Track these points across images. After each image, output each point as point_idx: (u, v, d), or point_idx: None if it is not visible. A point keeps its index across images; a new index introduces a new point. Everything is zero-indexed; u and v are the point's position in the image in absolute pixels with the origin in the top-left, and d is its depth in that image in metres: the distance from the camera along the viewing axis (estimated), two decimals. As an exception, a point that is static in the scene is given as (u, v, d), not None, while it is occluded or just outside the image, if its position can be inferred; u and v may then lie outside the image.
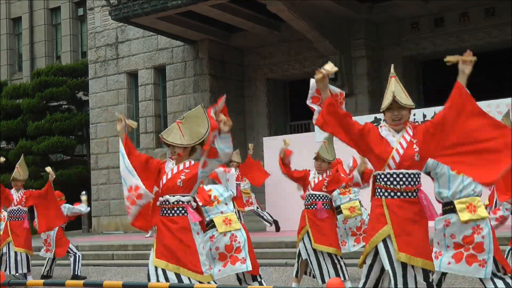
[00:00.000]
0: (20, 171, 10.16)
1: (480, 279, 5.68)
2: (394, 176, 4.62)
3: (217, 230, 6.63)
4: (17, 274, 10.10)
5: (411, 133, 4.71)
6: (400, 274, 4.52)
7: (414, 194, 4.62)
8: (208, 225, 6.66)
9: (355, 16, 16.82)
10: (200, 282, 5.22)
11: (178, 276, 5.28)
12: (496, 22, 15.94)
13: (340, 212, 8.73)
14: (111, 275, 10.95)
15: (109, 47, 20.01)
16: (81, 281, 5.27)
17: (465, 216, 5.62)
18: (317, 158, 7.75)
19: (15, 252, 9.97)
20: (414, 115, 13.68)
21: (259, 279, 6.85)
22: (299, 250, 7.73)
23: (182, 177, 5.32)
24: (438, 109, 13.55)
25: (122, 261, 12.81)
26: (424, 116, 13.66)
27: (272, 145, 15.38)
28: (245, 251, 6.69)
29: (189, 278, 5.27)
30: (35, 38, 25.86)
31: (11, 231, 10.03)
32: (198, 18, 17.01)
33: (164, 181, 5.38)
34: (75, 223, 17.66)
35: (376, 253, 4.65)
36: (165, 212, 5.41)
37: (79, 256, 10.65)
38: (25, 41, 26.11)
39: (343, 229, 8.74)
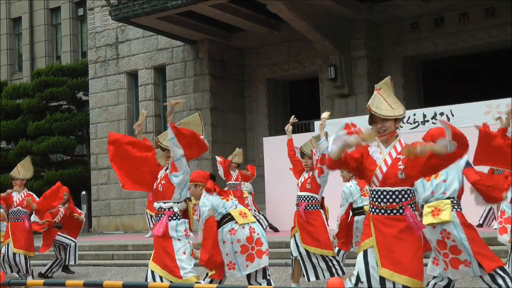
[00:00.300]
0: (20, 170, 10.09)
1: (483, 280, 5.61)
2: (379, 193, 4.55)
3: (236, 222, 6.63)
4: (20, 273, 10.07)
5: (399, 150, 4.60)
6: None
7: (400, 211, 4.49)
8: (224, 219, 6.68)
9: (355, 16, 16.81)
10: None
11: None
12: (496, 22, 15.93)
13: (362, 213, 8.70)
14: (111, 275, 10.94)
15: (109, 47, 20.01)
16: (81, 281, 5.28)
17: (427, 219, 5.55)
18: (302, 155, 7.68)
19: (14, 253, 9.93)
20: (414, 115, 13.68)
21: (268, 277, 6.85)
22: (291, 249, 7.72)
23: (163, 182, 5.70)
24: (438, 109, 13.56)
25: (122, 261, 12.80)
26: (424, 116, 13.65)
27: (272, 145, 15.39)
28: (266, 242, 6.73)
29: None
30: (35, 38, 25.86)
31: (11, 232, 10.00)
32: (198, 18, 17.01)
33: (154, 187, 5.77)
34: (75, 223, 17.64)
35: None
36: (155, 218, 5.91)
37: (70, 245, 10.71)
38: (25, 41, 26.10)
39: (360, 230, 8.70)
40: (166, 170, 5.84)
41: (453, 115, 12.97)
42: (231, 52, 19.00)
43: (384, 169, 4.54)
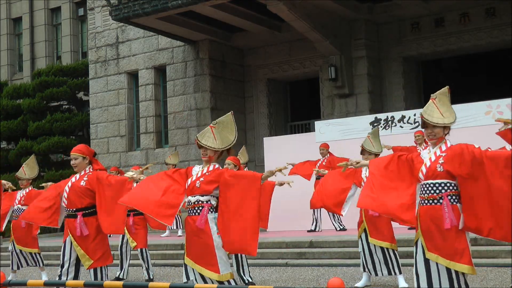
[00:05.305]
0: (25, 169, 10.10)
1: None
2: (424, 186, 5.21)
3: None
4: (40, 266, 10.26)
5: (444, 149, 5.20)
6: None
7: (441, 201, 5.05)
8: None
9: (355, 16, 16.82)
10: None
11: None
12: (496, 22, 15.94)
13: None
14: (111, 275, 10.92)
15: (110, 47, 20.02)
16: (81, 281, 5.28)
17: None
18: (363, 151, 7.95)
19: (20, 250, 10.16)
20: (415, 115, 13.69)
21: None
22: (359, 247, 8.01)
23: (202, 179, 5.59)
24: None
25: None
26: (425, 116, 13.64)
27: (273, 145, 15.40)
28: None
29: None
30: (35, 38, 25.87)
31: (12, 230, 10.18)
32: (198, 18, 17.02)
33: (189, 183, 5.66)
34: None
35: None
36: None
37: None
38: (25, 41, 26.12)
39: None
40: (200, 167, 5.74)
41: (453, 115, 12.95)
42: (232, 52, 19.00)
43: (428, 164, 5.17)
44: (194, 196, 5.56)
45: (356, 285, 8.06)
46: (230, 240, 5.45)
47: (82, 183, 6.62)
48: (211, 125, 5.67)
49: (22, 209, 10.05)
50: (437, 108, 5.25)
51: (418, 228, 5.21)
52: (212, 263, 5.45)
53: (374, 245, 7.75)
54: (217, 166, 5.65)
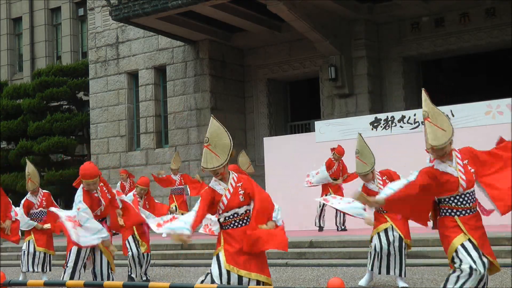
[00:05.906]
0: (32, 179, 10.39)
1: None
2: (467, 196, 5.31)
3: None
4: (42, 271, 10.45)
5: (459, 156, 5.31)
6: None
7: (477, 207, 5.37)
8: None
9: (355, 16, 16.82)
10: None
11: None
12: (496, 22, 15.94)
13: None
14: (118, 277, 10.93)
15: (110, 47, 20.02)
16: (81, 281, 5.28)
17: None
18: (360, 175, 7.89)
19: (34, 251, 10.35)
20: (415, 115, 13.70)
21: None
22: (375, 245, 7.91)
23: (242, 191, 5.69)
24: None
25: (122, 261, 12.78)
26: (425, 116, 13.64)
27: (273, 145, 15.41)
28: None
29: None
30: (35, 38, 25.86)
31: (34, 232, 10.41)
32: (198, 18, 17.02)
33: (226, 202, 5.67)
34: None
35: None
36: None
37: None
38: (25, 41, 26.11)
39: None
40: (221, 184, 5.74)
41: (453, 115, 12.98)
42: (232, 52, 19.00)
43: (464, 177, 5.23)
44: (241, 208, 5.64)
45: (359, 283, 8.05)
46: (265, 233, 5.51)
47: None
48: (205, 145, 5.69)
49: (44, 212, 10.35)
50: (436, 126, 5.24)
51: (458, 236, 5.21)
52: (266, 266, 5.67)
53: (394, 236, 7.73)
54: (235, 174, 5.77)
